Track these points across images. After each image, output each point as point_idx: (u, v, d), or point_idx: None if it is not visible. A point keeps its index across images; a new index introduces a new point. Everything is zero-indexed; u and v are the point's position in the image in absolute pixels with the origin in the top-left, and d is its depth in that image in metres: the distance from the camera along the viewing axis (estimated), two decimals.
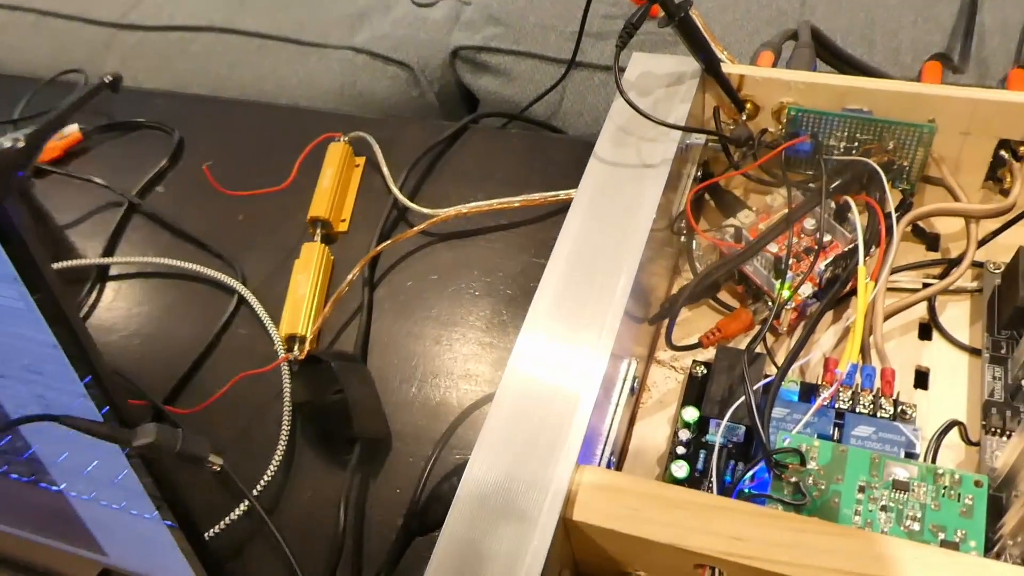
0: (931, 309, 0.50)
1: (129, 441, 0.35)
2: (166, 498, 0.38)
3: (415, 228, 0.61)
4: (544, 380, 0.40)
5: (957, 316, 0.50)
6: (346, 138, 0.68)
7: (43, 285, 0.29)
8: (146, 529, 0.43)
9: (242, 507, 0.51)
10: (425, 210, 0.62)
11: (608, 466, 0.43)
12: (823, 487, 0.39)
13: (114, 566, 0.46)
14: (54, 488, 0.42)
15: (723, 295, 0.53)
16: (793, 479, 0.39)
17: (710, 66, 0.51)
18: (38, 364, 0.33)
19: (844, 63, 0.60)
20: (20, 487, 0.44)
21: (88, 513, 0.43)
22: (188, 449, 0.38)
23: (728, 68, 0.52)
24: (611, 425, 0.43)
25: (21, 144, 0.21)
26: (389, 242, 0.61)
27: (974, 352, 0.48)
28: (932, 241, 0.54)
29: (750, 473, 0.40)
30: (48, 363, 0.33)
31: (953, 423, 0.42)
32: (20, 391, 0.36)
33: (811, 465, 0.39)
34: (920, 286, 0.51)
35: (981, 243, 0.50)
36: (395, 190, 0.64)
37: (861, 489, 0.38)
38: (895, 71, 0.73)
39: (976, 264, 0.50)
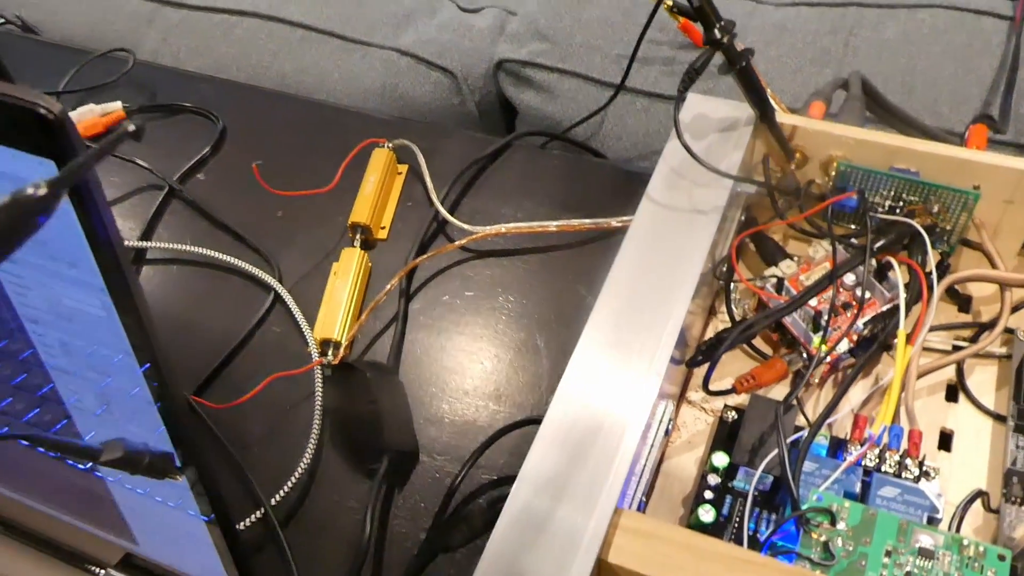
0: (959, 372, 0.51)
1: (96, 457, 0.35)
2: (209, 494, 0.39)
3: (455, 243, 0.62)
4: (590, 418, 0.41)
5: (984, 381, 0.51)
6: (390, 145, 0.69)
7: (129, 298, 0.30)
8: (182, 523, 0.44)
9: (258, 513, 0.51)
10: (465, 226, 0.63)
11: (639, 506, 0.44)
12: (851, 548, 0.40)
13: (143, 555, 0.47)
14: (107, 479, 0.43)
15: (756, 340, 0.53)
16: (822, 538, 0.40)
17: (765, 115, 0.52)
18: (106, 366, 0.34)
19: (892, 116, 0.61)
20: (66, 469, 0.45)
21: (127, 502, 0.44)
22: (154, 464, 0.37)
23: (781, 118, 0.53)
24: (644, 465, 0.44)
25: (43, 191, 0.21)
26: (429, 255, 0.61)
27: (999, 418, 0.49)
28: (964, 303, 0.55)
29: (777, 526, 0.41)
30: (117, 367, 0.34)
31: (979, 493, 0.43)
32: (84, 388, 0.36)
33: (840, 526, 0.40)
34: (950, 347, 0.52)
35: (1014, 309, 0.51)
36: (437, 203, 0.65)
37: (888, 553, 0.39)
38: (933, 121, 0.74)
39: (1007, 330, 0.51)
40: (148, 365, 0.32)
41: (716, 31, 0.47)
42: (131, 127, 0.24)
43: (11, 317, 0.34)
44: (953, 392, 0.51)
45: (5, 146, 0.26)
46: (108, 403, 0.36)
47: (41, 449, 0.48)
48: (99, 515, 0.47)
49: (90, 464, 0.46)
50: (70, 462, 0.45)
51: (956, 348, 0.52)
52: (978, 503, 0.44)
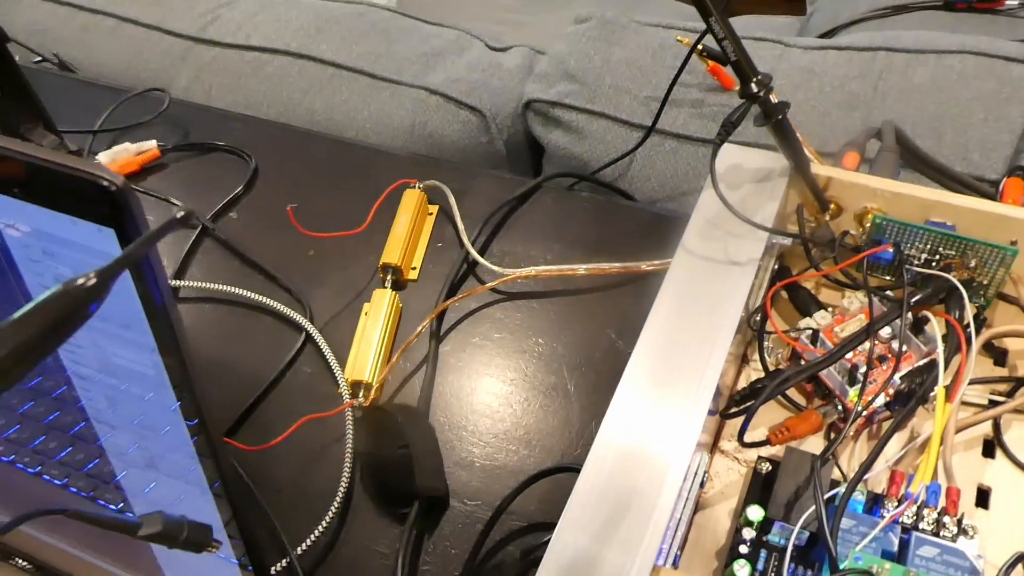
0: (996, 427, 0.51)
1: (135, 531, 0.35)
2: (248, 550, 0.39)
3: (486, 285, 0.62)
4: (628, 470, 0.41)
5: (1022, 436, 0.51)
6: (421, 186, 0.70)
7: (179, 360, 0.30)
8: (216, 568, 0.44)
9: (284, 562, 0.51)
10: (495, 268, 0.63)
11: (674, 560, 0.44)
12: None
13: None
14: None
15: (791, 391, 0.53)
16: None
17: (800, 166, 0.52)
18: (152, 422, 0.35)
19: (925, 165, 0.61)
20: (100, 511, 0.45)
21: (161, 551, 0.44)
22: (192, 537, 0.38)
23: (816, 169, 0.53)
24: (680, 518, 0.44)
25: (93, 282, 0.22)
26: (460, 296, 0.62)
27: None
28: (1000, 357, 0.54)
29: None
30: (162, 423, 0.34)
31: (1021, 556, 0.42)
32: (127, 443, 0.37)
33: None
34: (986, 402, 0.52)
35: None
36: (468, 244, 0.65)
37: None
38: (962, 167, 0.74)
39: None
40: (195, 421, 0.33)
41: (753, 85, 0.47)
42: (181, 213, 0.24)
43: (60, 372, 0.35)
44: (990, 448, 0.51)
45: (69, 215, 0.27)
46: (151, 457, 0.36)
47: (73, 489, 0.48)
48: (131, 558, 0.47)
49: (121, 505, 0.46)
50: (101, 502, 0.45)
51: (993, 403, 0.51)
52: (1020, 567, 0.44)
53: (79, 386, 0.35)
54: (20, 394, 0.47)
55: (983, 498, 0.49)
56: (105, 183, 0.25)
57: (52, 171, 0.26)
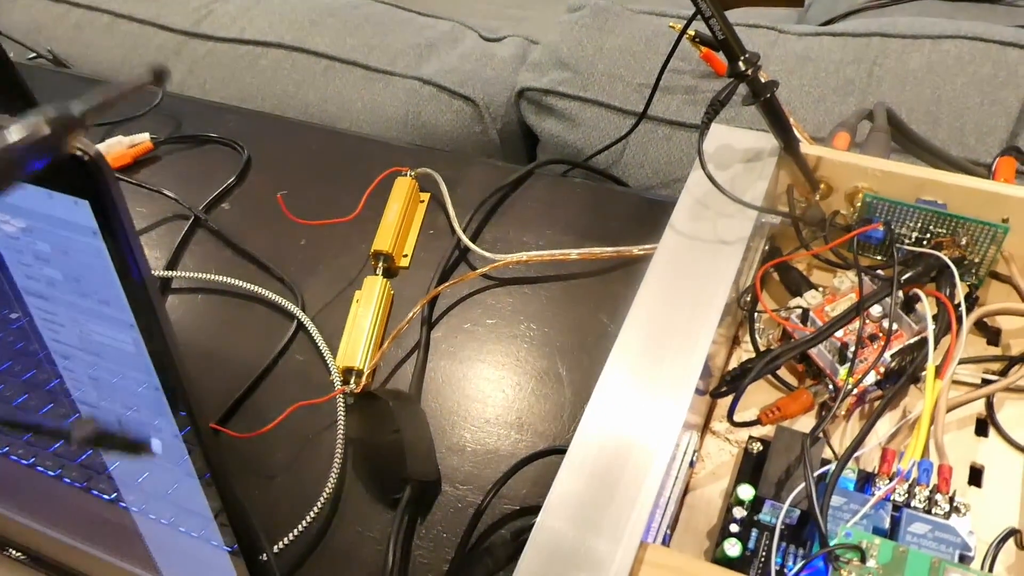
0: (989, 406, 0.51)
1: (69, 437, 0.34)
2: (238, 532, 0.39)
3: (477, 271, 0.62)
4: (615, 449, 0.41)
5: (1015, 415, 0.50)
6: (412, 173, 0.69)
7: (159, 335, 0.30)
8: (206, 554, 0.44)
9: (277, 547, 0.51)
10: (487, 254, 0.63)
11: (664, 539, 0.43)
12: None
13: None
14: (131, 509, 0.43)
15: (781, 371, 0.53)
16: (852, 575, 0.39)
17: (789, 146, 0.52)
18: (135, 401, 0.35)
19: (918, 147, 0.60)
20: (91, 501, 0.45)
21: (152, 533, 0.44)
22: (126, 443, 0.36)
23: (806, 149, 0.52)
24: (669, 497, 0.44)
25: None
26: (451, 283, 0.62)
27: None
28: (993, 336, 0.54)
29: (805, 562, 0.41)
30: (145, 401, 0.34)
31: (1012, 532, 0.42)
32: (114, 423, 0.37)
33: (871, 563, 0.40)
34: (979, 381, 0.51)
35: None
36: (459, 231, 0.65)
37: None
38: (958, 151, 0.74)
39: None
40: (176, 397, 0.32)
41: (741, 63, 0.47)
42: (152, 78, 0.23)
43: (42, 353, 0.35)
44: (983, 426, 0.50)
45: (44, 187, 0.27)
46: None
47: (67, 480, 0.48)
48: (124, 546, 0.47)
49: (115, 495, 0.46)
50: (95, 492, 0.45)
51: (985, 382, 0.51)
52: (1011, 541, 0.44)
53: (62, 366, 0.35)
54: (13, 387, 0.47)
55: (976, 476, 0.48)
56: (79, 152, 0.25)
57: None
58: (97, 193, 0.26)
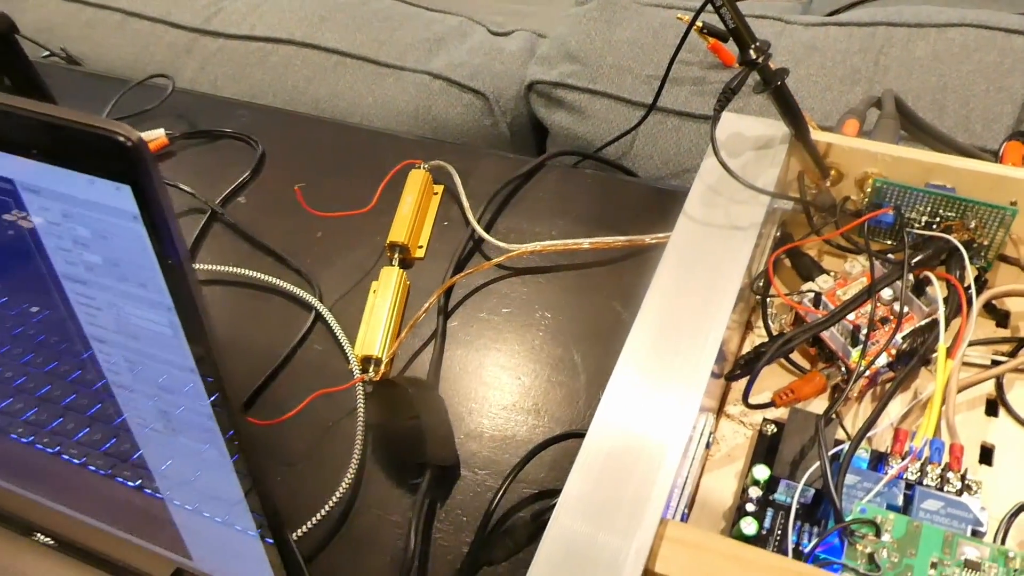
0: (999, 386, 0.51)
1: None
2: (268, 515, 0.40)
3: (491, 261, 0.63)
4: (633, 432, 0.42)
5: None
6: (426, 166, 0.70)
7: (196, 317, 0.31)
8: (239, 542, 0.44)
9: (301, 530, 0.52)
10: (501, 244, 0.64)
11: (681, 518, 0.44)
12: (896, 560, 0.40)
13: (197, 569, 0.48)
14: (158, 495, 0.44)
15: (794, 354, 0.54)
16: (868, 549, 0.40)
17: (800, 132, 0.52)
18: (170, 383, 0.36)
19: (925, 134, 0.61)
20: (119, 488, 0.46)
21: (184, 520, 0.45)
22: None
23: (816, 136, 0.53)
24: (686, 478, 0.45)
25: None
26: (466, 272, 0.63)
27: None
28: (1002, 318, 0.55)
29: (821, 538, 0.41)
30: (180, 383, 0.35)
31: (1023, 507, 0.43)
32: (146, 406, 0.38)
33: (885, 537, 0.41)
34: (989, 362, 0.52)
35: None
36: (473, 222, 0.66)
37: (933, 565, 0.40)
38: (965, 138, 0.74)
39: None
40: (211, 379, 0.33)
41: (752, 51, 0.48)
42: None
43: (78, 337, 0.36)
44: (993, 407, 0.51)
45: (87, 173, 0.28)
46: (171, 421, 0.37)
47: (92, 467, 0.49)
48: (153, 530, 0.48)
49: (140, 482, 0.47)
50: (119, 480, 0.46)
51: (995, 363, 0.52)
52: (1022, 516, 0.44)
53: (98, 350, 0.36)
54: (36, 377, 0.48)
55: (987, 455, 0.49)
56: (121, 138, 0.26)
57: (70, 129, 0.27)
58: (138, 179, 0.27)
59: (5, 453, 0.51)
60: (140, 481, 0.44)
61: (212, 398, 0.34)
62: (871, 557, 0.40)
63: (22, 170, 0.30)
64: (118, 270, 0.31)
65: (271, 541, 0.43)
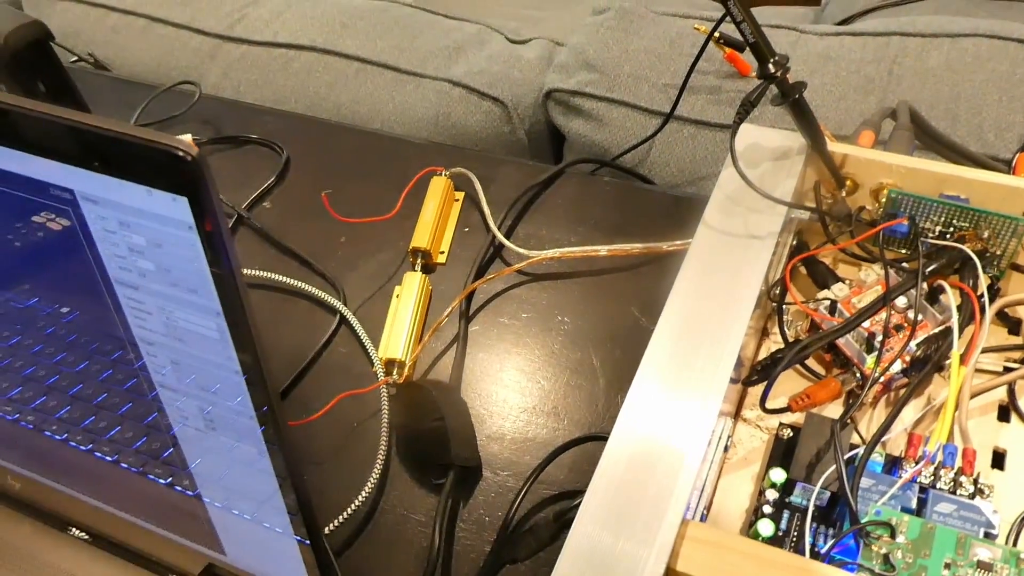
0: (1011, 392, 0.53)
1: None
2: (303, 513, 0.41)
3: (512, 267, 0.65)
4: (654, 435, 0.43)
5: None
6: (447, 173, 0.72)
7: (244, 322, 0.33)
8: (273, 539, 0.46)
9: (330, 527, 0.54)
10: (521, 250, 0.65)
11: (701, 519, 0.46)
12: (911, 561, 0.41)
13: (230, 565, 0.50)
14: (190, 493, 0.45)
15: (809, 360, 0.55)
16: (883, 550, 0.41)
17: (817, 144, 0.54)
18: (214, 384, 0.37)
19: (940, 144, 0.62)
20: (152, 485, 0.47)
21: (218, 517, 0.47)
22: None
23: (832, 147, 0.54)
24: (705, 480, 0.46)
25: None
26: (487, 278, 0.64)
27: None
28: (1014, 326, 0.56)
29: (837, 539, 0.43)
30: (225, 385, 0.37)
31: None
32: (189, 405, 0.39)
33: (900, 539, 0.42)
34: (1001, 369, 0.53)
35: None
36: (494, 228, 0.67)
37: (947, 566, 0.41)
38: (977, 147, 0.75)
39: None
40: (257, 381, 0.35)
41: (771, 65, 0.49)
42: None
43: (127, 340, 0.37)
44: (1005, 413, 0.52)
45: (146, 185, 0.29)
46: (212, 420, 0.39)
47: (124, 464, 0.51)
48: (187, 526, 0.50)
49: (183, 483, 0.49)
50: (151, 477, 0.47)
51: (1007, 369, 0.53)
52: None
53: (146, 352, 0.38)
54: (94, 385, 0.49)
55: (999, 460, 0.50)
56: (182, 153, 0.28)
57: (132, 143, 0.28)
58: (196, 190, 0.29)
59: (46, 450, 0.53)
60: (179, 478, 0.45)
61: (255, 399, 0.36)
62: (886, 558, 0.41)
63: (83, 181, 0.31)
64: (170, 276, 0.33)
65: (306, 541, 0.45)
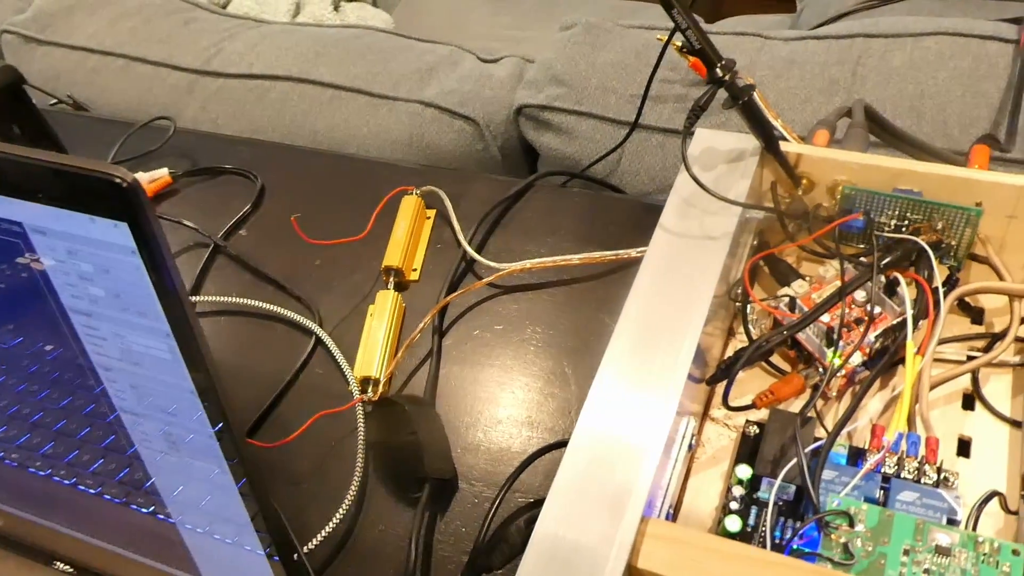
0: (975, 381, 0.53)
1: None
2: (273, 532, 0.42)
3: (483, 280, 0.66)
4: (613, 436, 0.44)
5: (999, 389, 0.53)
6: (418, 192, 0.73)
7: (192, 341, 0.34)
8: (247, 561, 0.47)
9: (308, 547, 0.54)
10: (492, 264, 0.66)
11: (667, 518, 0.46)
12: (870, 548, 0.42)
13: None
14: (170, 520, 0.46)
15: (775, 358, 0.56)
16: (842, 539, 0.42)
17: (770, 145, 0.55)
18: (171, 405, 0.38)
19: (897, 138, 0.63)
20: (134, 515, 0.48)
21: (195, 542, 0.47)
22: None
23: (786, 147, 0.55)
24: (670, 479, 0.47)
25: None
26: (459, 292, 0.65)
27: (1015, 424, 0.51)
28: (976, 315, 0.57)
29: (797, 531, 0.43)
30: (182, 405, 0.37)
31: (993, 493, 0.45)
32: (150, 428, 0.40)
33: (859, 527, 0.42)
34: (964, 358, 0.54)
35: None
36: (465, 244, 0.68)
37: (906, 552, 0.41)
38: (943, 143, 0.76)
39: (1019, 339, 0.53)
40: (210, 399, 0.36)
41: (718, 70, 0.50)
42: None
43: (88, 370, 0.38)
44: (970, 401, 0.53)
45: (84, 213, 0.30)
46: (172, 439, 0.40)
47: (107, 496, 0.52)
48: (165, 552, 0.50)
49: (153, 508, 0.49)
50: (133, 507, 0.48)
51: (971, 358, 0.53)
52: (997, 506, 0.46)
53: (105, 378, 0.39)
54: (52, 412, 0.50)
55: (964, 448, 0.51)
56: (118, 180, 0.29)
57: (70, 173, 0.29)
58: (135, 215, 0.30)
59: (24, 485, 0.54)
60: (152, 507, 0.46)
61: (211, 416, 0.37)
62: (845, 547, 0.42)
63: (30, 213, 0.32)
64: (119, 301, 0.34)
65: (278, 559, 0.46)
